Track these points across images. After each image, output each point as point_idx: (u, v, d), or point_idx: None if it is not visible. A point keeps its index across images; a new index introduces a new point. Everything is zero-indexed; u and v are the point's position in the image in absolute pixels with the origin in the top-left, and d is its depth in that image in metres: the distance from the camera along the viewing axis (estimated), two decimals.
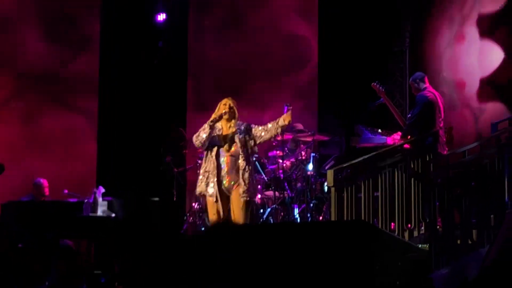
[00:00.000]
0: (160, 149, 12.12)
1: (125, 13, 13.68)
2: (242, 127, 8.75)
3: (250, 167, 8.64)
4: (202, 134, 8.58)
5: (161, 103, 13.81)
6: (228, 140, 8.68)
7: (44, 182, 11.82)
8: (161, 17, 14.16)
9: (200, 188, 8.67)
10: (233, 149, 8.67)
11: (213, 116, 8.67)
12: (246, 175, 8.55)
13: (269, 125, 8.81)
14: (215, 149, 8.64)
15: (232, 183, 8.60)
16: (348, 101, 13.33)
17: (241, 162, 8.59)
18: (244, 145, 8.68)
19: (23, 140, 13.13)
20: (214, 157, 8.60)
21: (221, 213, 8.57)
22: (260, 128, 8.83)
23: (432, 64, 13.00)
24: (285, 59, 14.05)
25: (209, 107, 9.28)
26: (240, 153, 8.63)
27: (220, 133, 8.70)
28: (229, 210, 8.61)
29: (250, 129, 8.79)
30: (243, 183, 8.51)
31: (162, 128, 13.12)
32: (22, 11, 13.25)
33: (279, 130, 8.83)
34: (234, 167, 8.61)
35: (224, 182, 8.60)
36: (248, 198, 8.55)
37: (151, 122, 13.72)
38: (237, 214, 8.50)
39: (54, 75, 13.35)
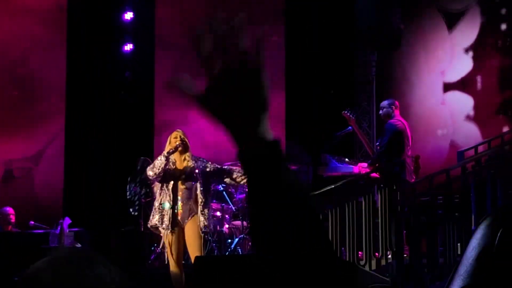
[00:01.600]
0: (127, 179, 12.02)
1: (91, 42, 13.64)
2: (199, 162, 8.61)
3: (206, 201, 8.52)
4: (158, 165, 8.45)
5: (128, 133, 13.75)
6: (183, 173, 8.55)
7: (10, 210, 11.65)
8: (128, 47, 14.17)
9: (154, 220, 8.53)
10: (188, 182, 8.53)
11: (168, 147, 8.55)
12: (205, 210, 8.45)
13: (234, 174, 8.62)
14: (171, 182, 8.51)
15: (188, 214, 8.46)
16: (315, 130, 13.34)
17: (198, 195, 8.46)
18: (200, 178, 8.54)
19: None
20: (170, 190, 8.46)
21: (177, 244, 8.46)
22: (218, 167, 8.67)
23: (398, 94, 13.07)
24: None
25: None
26: (197, 186, 8.50)
27: (174, 166, 8.56)
28: (184, 241, 8.50)
29: (206, 166, 8.63)
30: (201, 217, 8.39)
31: (129, 158, 13.04)
32: None
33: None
34: (189, 200, 8.47)
35: (179, 214, 8.46)
36: (204, 233, 8.48)
37: (118, 151, 13.65)
38: (193, 246, 8.38)
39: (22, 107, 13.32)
